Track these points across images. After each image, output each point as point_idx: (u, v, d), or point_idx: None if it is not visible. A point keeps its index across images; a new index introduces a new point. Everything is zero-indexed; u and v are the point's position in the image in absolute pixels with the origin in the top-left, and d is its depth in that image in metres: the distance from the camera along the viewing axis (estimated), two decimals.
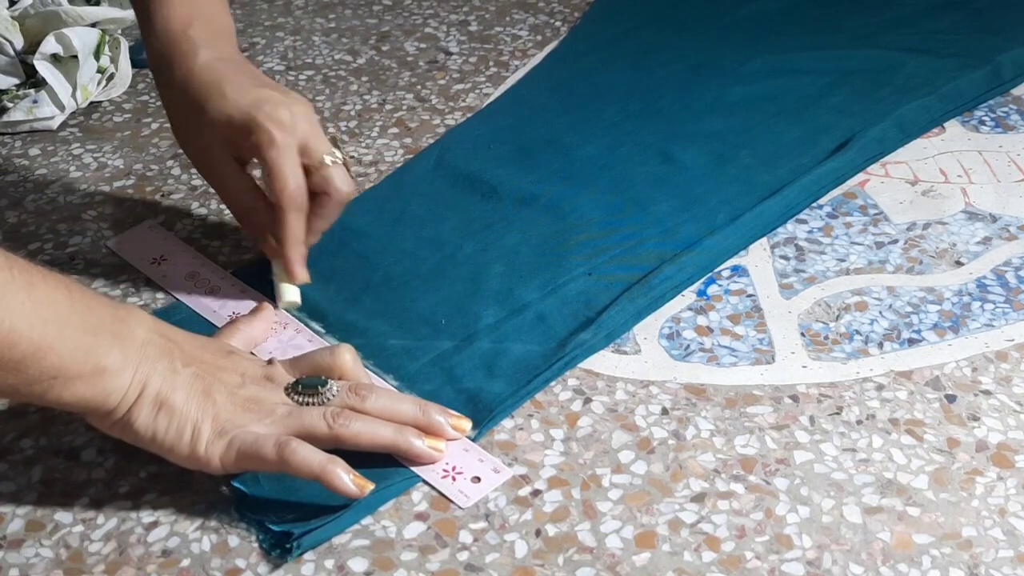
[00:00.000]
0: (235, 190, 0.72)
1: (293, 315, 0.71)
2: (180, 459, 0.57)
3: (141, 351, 0.56)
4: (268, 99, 0.68)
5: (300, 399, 0.59)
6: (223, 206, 0.83)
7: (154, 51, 0.73)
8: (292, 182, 0.67)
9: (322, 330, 0.70)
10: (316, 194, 0.69)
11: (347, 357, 0.62)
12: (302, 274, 0.70)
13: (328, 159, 0.68)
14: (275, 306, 0.70)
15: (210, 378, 0.58)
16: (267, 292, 0.72)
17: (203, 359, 0.59)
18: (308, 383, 0.60)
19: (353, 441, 0.58)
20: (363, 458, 0.59)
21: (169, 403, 0.56)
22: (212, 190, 0.85)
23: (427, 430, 0.60)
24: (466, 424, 0.61)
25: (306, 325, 0.70)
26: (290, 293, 0.70)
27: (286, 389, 0.60)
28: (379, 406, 0.60)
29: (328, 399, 0.59)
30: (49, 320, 0.52)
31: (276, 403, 0.59)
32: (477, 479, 0.59)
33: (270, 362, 0.61)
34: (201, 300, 0.73)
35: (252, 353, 0.66)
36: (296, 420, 0.58)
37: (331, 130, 0.91)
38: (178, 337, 0.59)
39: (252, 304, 0.71)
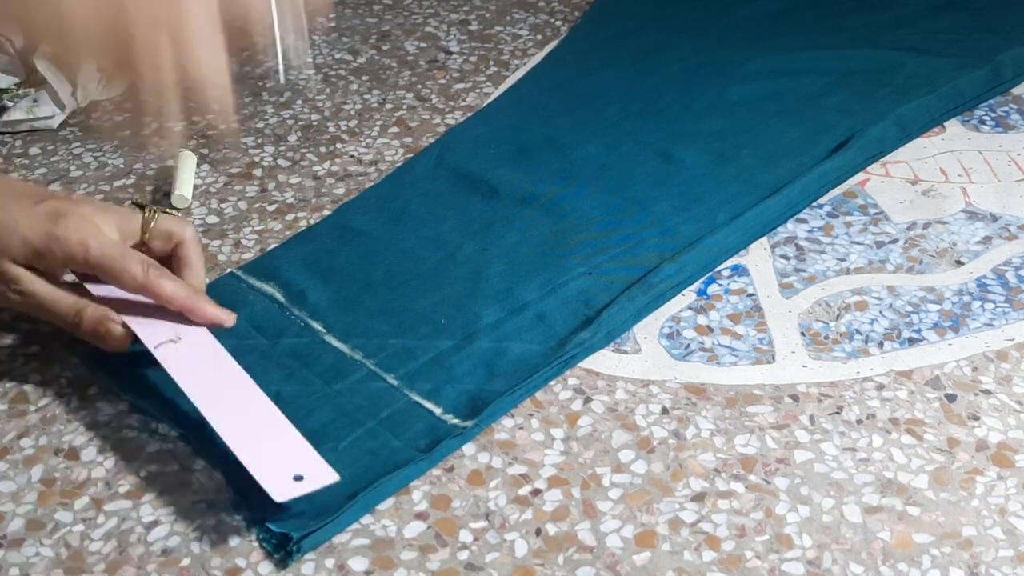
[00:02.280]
0: (52, 298, 0.65)
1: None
2: None
3: None
4: (57, 213, 0.64)
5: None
6: (224, 205, 0.83)
7: None
8: (135, 264, 0.64)
9: (322, 330, 0.70)
10: (171, 252, 0.68)
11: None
12: (227, 316, 0.66)
13: (147, 220, 0.67)
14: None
15: None
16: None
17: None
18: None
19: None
20: (358, 457, 0.59)
21: None
22: (213, 189, 0.85)
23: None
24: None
25: (306, 325, 0.70)
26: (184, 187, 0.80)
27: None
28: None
29: None
30: None
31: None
32: (299, 477, 0.56)
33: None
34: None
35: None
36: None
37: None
38: None
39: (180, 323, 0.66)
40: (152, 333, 0.64)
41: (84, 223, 0.64)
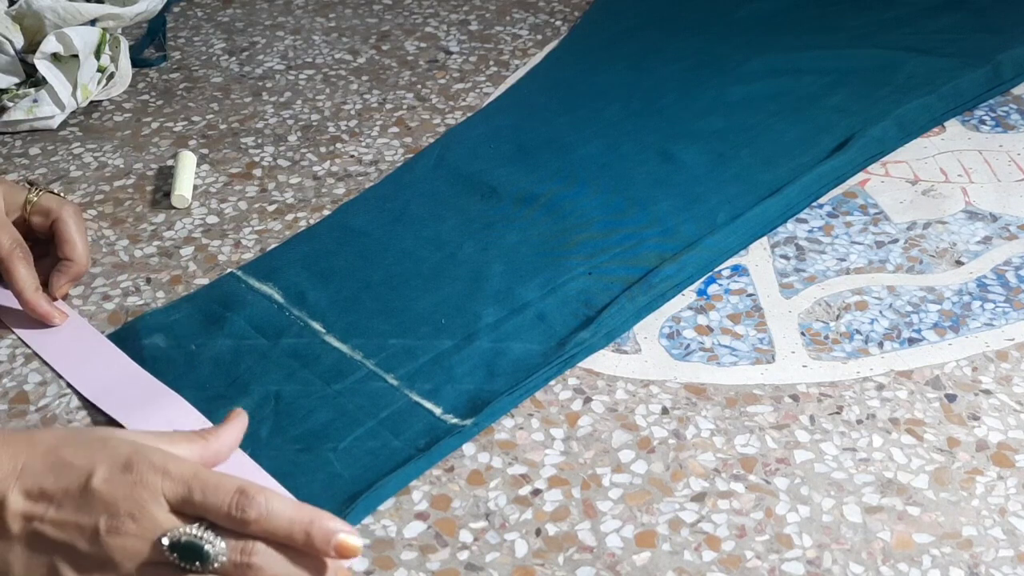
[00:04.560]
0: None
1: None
2: None
3: None
4: None
5: (179, 563, 0.47)
6: (224, 205, 0.83)
7: None
8: (5, 237, 0.70)
9: (322, 330, 0.70)
10: (51, 228, 0.72)
11: (252, 515, 0.48)
12: (58, 315, 0.71)
13: (31, 199, 0.71)
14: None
15: (57, 535, 0.47)
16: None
17: (60, 495, 0.48)
18: (188, 545, 0.47)
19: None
20: (358, 457, 0.59)
21: None
22: (213, 189, 0.85)
23: None
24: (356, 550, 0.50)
25: (306, 325, 0.70)
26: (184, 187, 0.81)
27: (160, 546, 0.47)
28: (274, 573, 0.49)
29: (211, 569, 0.48)
30: None
31: (132, 569, 0.47)
32: None
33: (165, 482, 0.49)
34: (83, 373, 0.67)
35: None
36: None
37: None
38: (34, 461, 0.48)
39: (138, 380, 0.64)
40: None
41: None
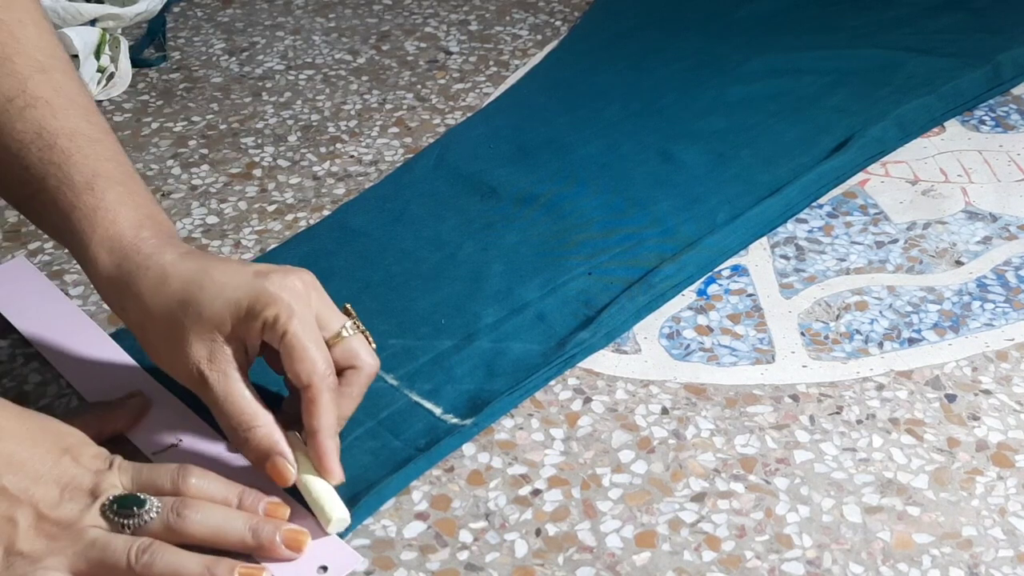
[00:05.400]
0: (238, 402, 0.56)
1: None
2: None
3: None
4: (271, 271, 0.57)
5: (115, 520, 0.52)
6: (224, 205, 0.83)
7: (104, 269, 0.58)
8: (321, 357, 0.56)
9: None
10: (340, 371, 0.58)
11: (191, 480, 0.54)
12: (340, 471, 0.57)
13: (346, 331, 0.58)
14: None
15: (18, 495, 0.51)
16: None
17: (22, 464, 0.52)
18: (123, 502, 0.52)
19: None
20: (358, 457, 0.59)
21: None
22: (213, 189, 0.85)
23: (258, 552, 0.54)
24: (303, 538, 0.54)
25: None
26: (338, 510, 0.56)
27: (101, 507, 0.52)
28: (204, 529, 0.53)
29: (145, 522, 0.52)
30: None
31: (85, 527, 0.51)
32: (324, 568, 0.54)
33: (111, 465, 0.54)
34: (79, 369, 0.66)
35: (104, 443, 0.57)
36: (98, 552, 0.51)
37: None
38: (0, 432, 0.52)
39: (131, 372, 0.65)
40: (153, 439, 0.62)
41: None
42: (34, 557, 0.50)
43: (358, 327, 0.59)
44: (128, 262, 0.58)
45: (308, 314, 0.56)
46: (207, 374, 0.56)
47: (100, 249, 0.58)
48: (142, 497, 0.53)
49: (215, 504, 0.54)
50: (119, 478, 0.54)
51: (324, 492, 0.56)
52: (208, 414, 0.58)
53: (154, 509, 0.52)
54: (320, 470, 0.56)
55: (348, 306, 0.60)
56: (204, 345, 0.56)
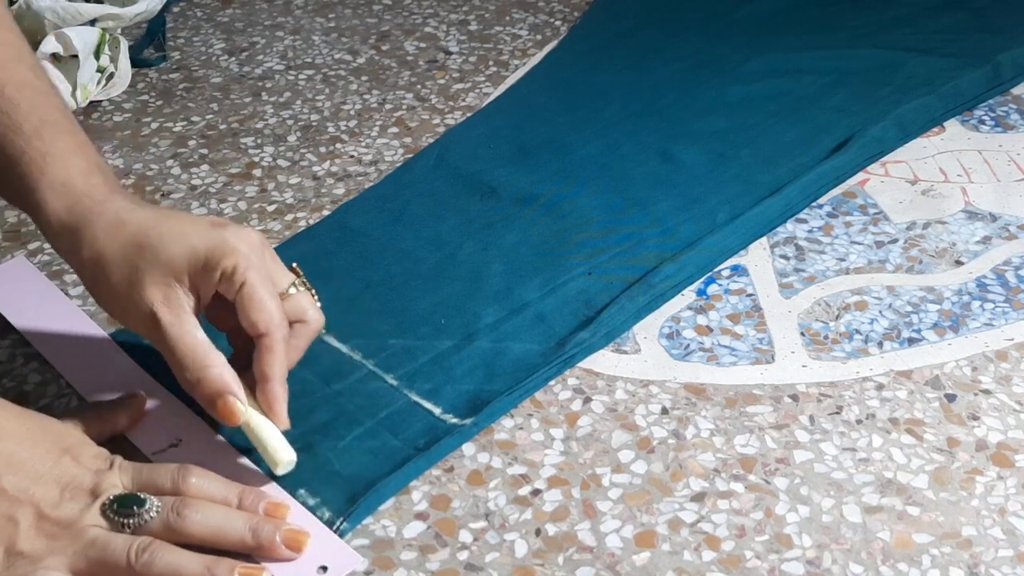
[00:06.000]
0: (191, 343, 0.57)
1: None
2: None
3: None
4: (227, 223, 0.59)
5: (115, 520, 0.52)
6: (224, 205, 0.83)
7: (53, 213, 0.59)
8: (276, 307, 0.58)
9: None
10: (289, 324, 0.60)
11: (192, 480, 0.55)
12: (287, 418, 0.59)
13: (294, 288, 0.60)
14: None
15: (19, 495, 0.51)
16: (149, 361, 0.65)
17: (22, 464, 0.52)
18: (123, 502, 0.52)
19: None
20: (357, 457, 0.59)
21: None
22: (212, 189, 0.85)
23: (258, 552, 0.54)
24: (303, 538, 0.54)
25: None
26: (286, 452, 0.58)
27: (101, 507, 0.52)
28: (204, 528, 0.53)
29: (146, 521, 0.52)
30: None
31: (86, 526, 0.52)
32: (324, 568, 0.54)
33: (111, 465, 0.54)
34: (77, 368, 0.66)
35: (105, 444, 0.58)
36: (98, 551, 0.51)
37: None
38: (0, 432, 0.52)
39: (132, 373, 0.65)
40: (151, 439, 0.62)
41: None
42: (35, 557, 0.51)
43: (305, 285, 0.61)
44: (79, 206, 0.59)
45: (263, 267, 0.58)
46: (161, 315, 0.57)
47: (50, 193, 0.59)
48: (142, 496, 0.53)
49: (215, 504, 0.54)
50: (119, 478, 0.54)
51: (273, 436, 0.58)
52: (208, 414, 0.59)
53: (154, 509, 0.53)
54: (270, 415, 0.58)
55: (295, 265, 0.62)
56: (159, 288, 0.57)
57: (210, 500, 0.55)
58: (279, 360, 0.58)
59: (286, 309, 0.59)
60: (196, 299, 0.58)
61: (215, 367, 0.57)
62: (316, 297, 0.61)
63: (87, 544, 0.51)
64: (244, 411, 0.57)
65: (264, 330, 0.57)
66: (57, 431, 0.55)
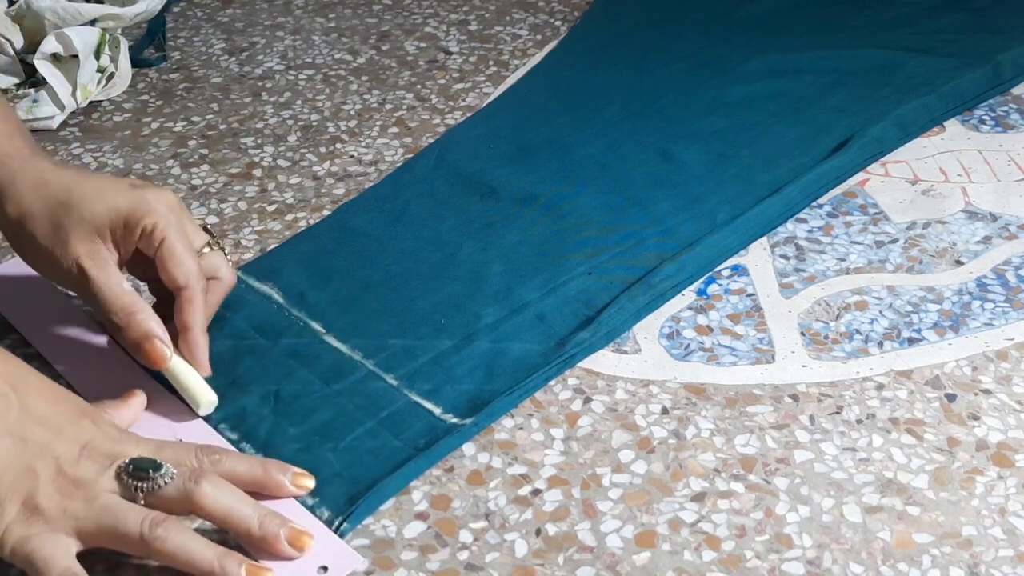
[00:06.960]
0: (117, 291, 0.61)
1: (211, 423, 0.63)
2: None
3: None
4: (145, 185, 0.63)
5: (129, 483, 0.52)
6: (224, 205, 0.83)
7: None
8: (194, 262, 0.62)
9: (322, 330, 0.70)
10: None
11: (216, 456, 0.55)
12: (208, 364, 0.63)
13: (208, 248, 0.65)
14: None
15: (41, 448, 0.52)
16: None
17: (45, 419, 0.53)
18: (140, 464, 0.53)
19: (166, 561, 0.51)
20: (357, 457, 0.59)
21: None
22: (213, 189, 0.85)
23: (261, 545, 0.54)
24: (307, 539, 0.54)
25: (306, 325, 0.70)
26: (206, 393, 0.62)
27: (116, 470, 0.53)
28: (217, 505, 0.53)
29: (160, 486, 0.52)
30: None
31: (100, 491, 0.52)
32: (324, 568, 0.54)
33: (128, 436, 0.55)
34: (81, 371, 0.66)
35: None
36: (111, 519, 0.51)
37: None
38: (26, 386, 0.54)
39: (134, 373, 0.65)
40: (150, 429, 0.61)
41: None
42: (48, 517, 0.51)
43: (218, 244, 0.66)
44: (3, 167, 0.63)
45: (181, 225, 0.63)
46: (86, 266, 0.61)
47: None
48: (158, 461, 0.53)
49: (232, 485, 0.55)
50: (137, 447, 0.54)
51: (195, 380, 0.62)
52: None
53: (169, 474, 0.53)
54: (192, 362, 0.62)
55: (207, 225, 0.66)
56: (83, 244, 0.61)
57: (233, 472, 0.55)
58: (199, 310, 0.62)
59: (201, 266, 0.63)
60: (118, 255, 0.63)
61: (141, 312, 0.61)
62: (228, 257, 0.67)
63: (100, 510, 0.51)
64: (170, 355, 0.61)
65: (184, 283, 0.62)
66: (77, 398, 0.57)
